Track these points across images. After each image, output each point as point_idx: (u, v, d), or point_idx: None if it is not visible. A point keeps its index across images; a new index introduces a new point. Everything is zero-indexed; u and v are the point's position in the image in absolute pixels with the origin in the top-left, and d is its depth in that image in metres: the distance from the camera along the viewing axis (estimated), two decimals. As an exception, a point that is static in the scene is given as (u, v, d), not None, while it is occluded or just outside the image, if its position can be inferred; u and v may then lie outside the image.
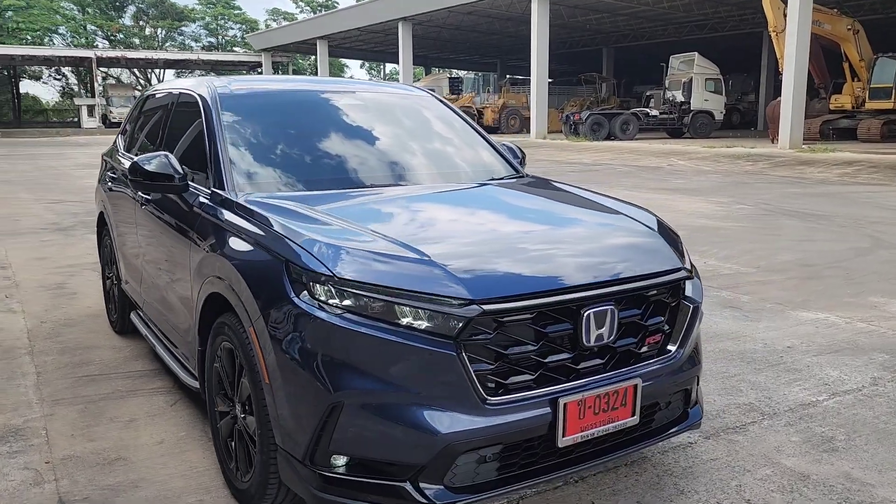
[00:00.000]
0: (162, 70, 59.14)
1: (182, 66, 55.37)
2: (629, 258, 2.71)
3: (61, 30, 60.17)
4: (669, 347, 2.71)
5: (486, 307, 2.26)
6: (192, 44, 68.14)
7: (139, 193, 3.95)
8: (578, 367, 2.45)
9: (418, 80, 49.63)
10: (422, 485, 2.27)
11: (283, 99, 3.87)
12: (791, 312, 5.40)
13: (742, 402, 3.78)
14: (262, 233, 2.67)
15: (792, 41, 21.24)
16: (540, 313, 2.36)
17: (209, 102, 3.51)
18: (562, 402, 2.36)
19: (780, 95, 22.44)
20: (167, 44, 67.29)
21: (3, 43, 51.90)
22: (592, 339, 2.43)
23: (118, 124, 35.67)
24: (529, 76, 31.79)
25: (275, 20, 70.73)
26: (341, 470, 2.32)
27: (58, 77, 65.53)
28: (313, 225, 2.63)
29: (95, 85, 51.69)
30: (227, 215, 2.94)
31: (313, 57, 51.11)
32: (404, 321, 2.26)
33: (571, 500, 2.82)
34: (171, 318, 3.60)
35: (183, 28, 67.61)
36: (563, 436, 2.38)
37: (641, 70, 42.94)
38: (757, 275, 6.63)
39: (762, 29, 29.88)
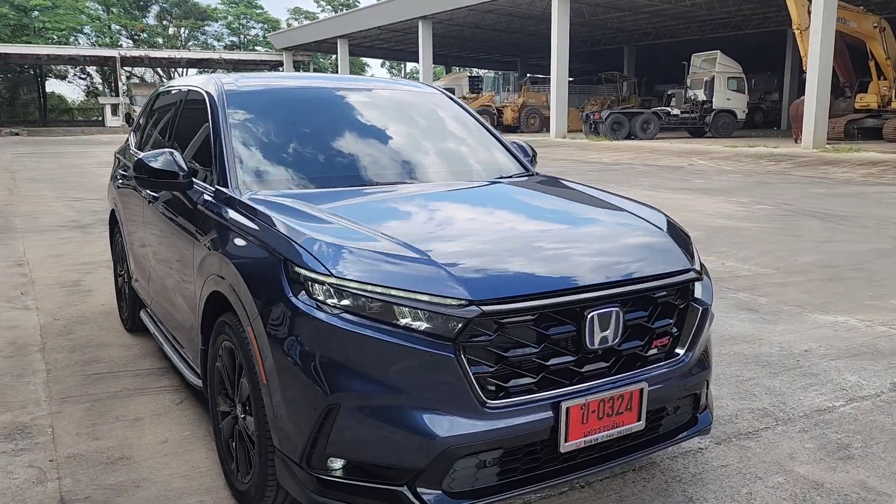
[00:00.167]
0: (185, 69, 59.65)
1: (204, 66, 55.78)
2: (636, 258, 2.64)
3: (86, 29, 60.97)
4: (677, 350, 2.63)
5: (485, 308, 2.21)
6: (215, 43, 68.81)
7: (147, 191, 3.96)
8: (582, 370, 2.39)
9: (438, 79, 49.66)
10: (419, 489, 2.22)
11: (291, 96, 3.85)
12: (809, 315, 5.28)
13: (756, 406, 3.69)
14: (261, 231, 2.64)
15: (816, 39, 20.92)
16: (542, 315, 2.31)
17: (215, 99, 3.50)
18: (564, 406, 2.30)
19: (804, 94, 22.11)
20: (190, 43, 67.96)
21: (30, 42, 52.73)
22: (597, 341, 2.37)
23: (141, 123, 36.04)
24: (549, 75, 31.60)
25: (296, 19, 71.16)
26: (338, 473, 2.28)
27: (83, 76, 66.52)
28: (314, 223, 2.59)
29: (119, 84, 52.39)
30: (230, 213, 2.91)
31: (334, 56, 51.27)
32: (403, 322, 2.22)
33: (576, 505, 2.77)
34: (177, 316, 3.60)
35: (206, 27, 68.31)
36: (566, 441, 2.32)
37: (663, 69, 42.54)
38: (776, 276, 6.50)
39: (786, 27, 29.46)
